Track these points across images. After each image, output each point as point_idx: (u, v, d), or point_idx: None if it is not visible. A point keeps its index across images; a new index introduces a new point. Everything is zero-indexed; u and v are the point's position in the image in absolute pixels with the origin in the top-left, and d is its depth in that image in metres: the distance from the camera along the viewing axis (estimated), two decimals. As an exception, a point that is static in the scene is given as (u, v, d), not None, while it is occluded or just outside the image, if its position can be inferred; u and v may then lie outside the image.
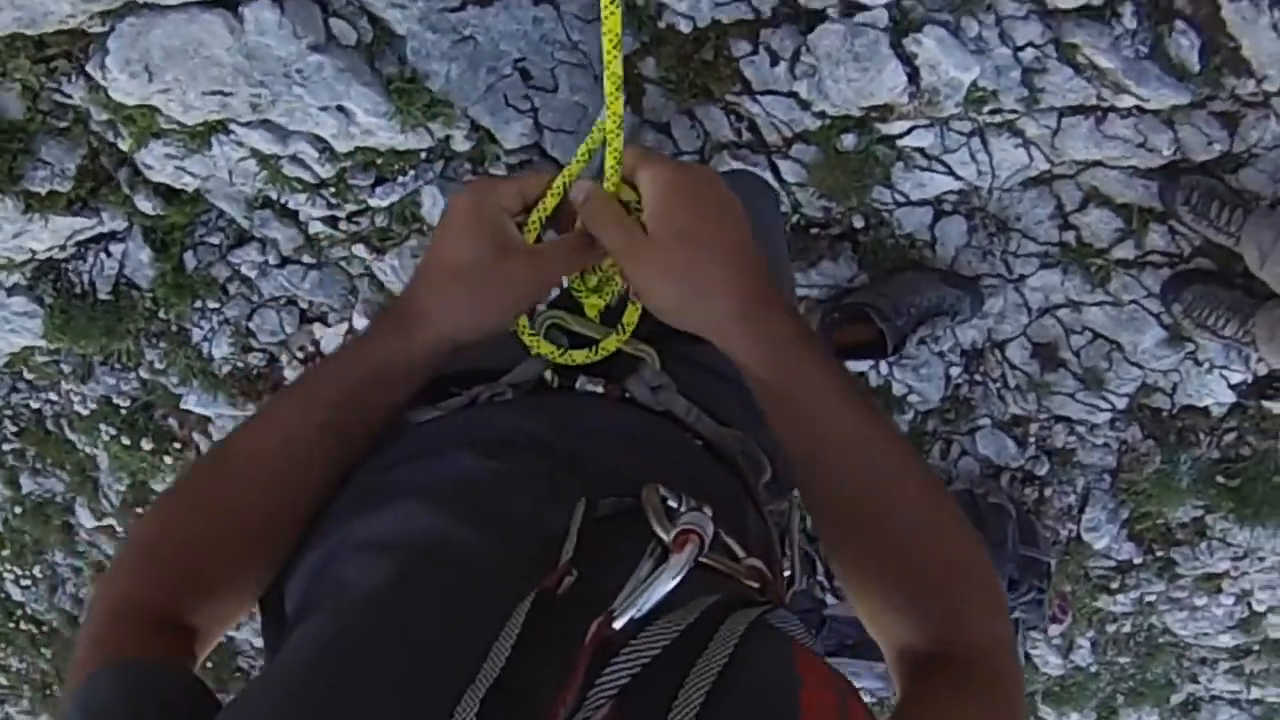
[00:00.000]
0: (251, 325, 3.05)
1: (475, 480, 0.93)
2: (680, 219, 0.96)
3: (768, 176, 2.50)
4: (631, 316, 1.13)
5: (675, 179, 0.97)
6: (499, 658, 0.65)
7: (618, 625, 0.67)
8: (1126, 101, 2.26)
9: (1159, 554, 3.35)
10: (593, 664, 0.64)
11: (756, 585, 0.85)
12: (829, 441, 0.98)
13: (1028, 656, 3.76)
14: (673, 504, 0.81)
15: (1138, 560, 3.38)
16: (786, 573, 1.24)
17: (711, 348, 1.02)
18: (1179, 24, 2.16)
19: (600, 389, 1.16)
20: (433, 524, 0.85)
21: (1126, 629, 3.71)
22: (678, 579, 0.70)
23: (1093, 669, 3.86)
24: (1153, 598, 3.52)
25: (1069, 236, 2.64)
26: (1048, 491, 3.20)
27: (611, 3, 0.87)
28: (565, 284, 1.15)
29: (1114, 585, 3.48)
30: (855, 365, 2.92)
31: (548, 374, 1.16)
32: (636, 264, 0.98)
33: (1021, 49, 2.21)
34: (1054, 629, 3.56)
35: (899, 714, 0.87)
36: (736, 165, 2.45)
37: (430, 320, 1.02)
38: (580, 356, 1.15)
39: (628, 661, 0.65)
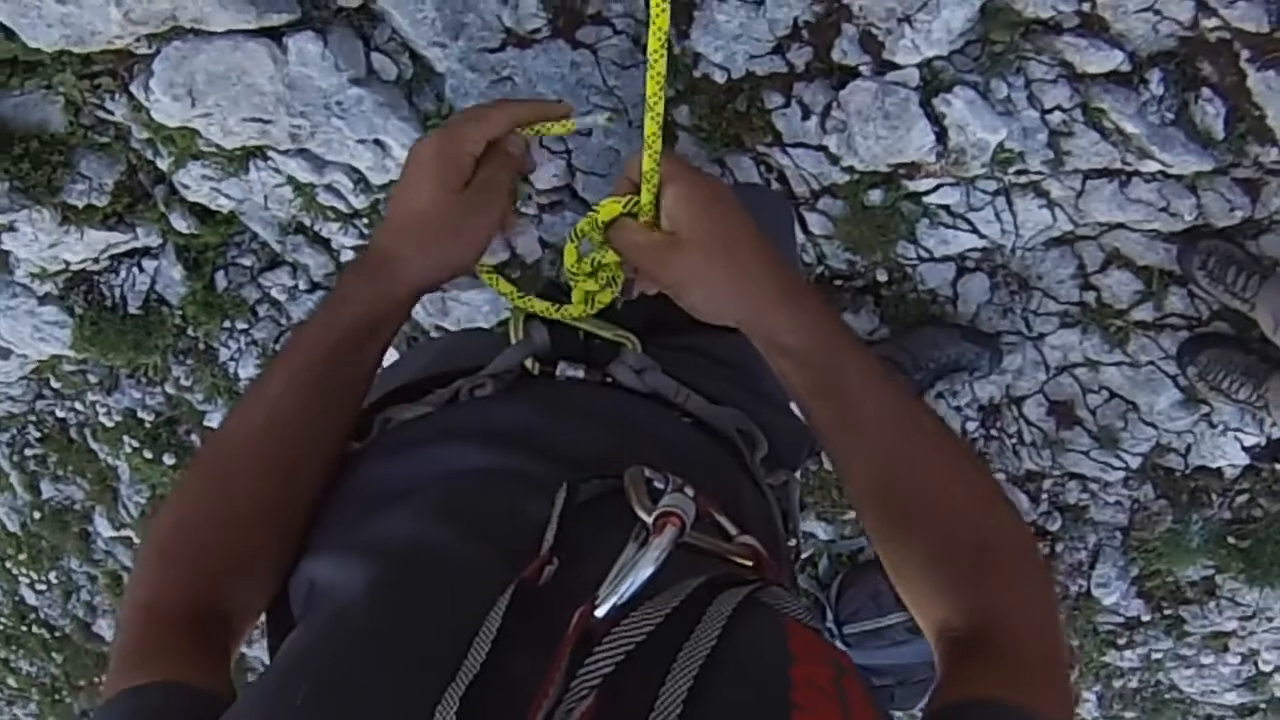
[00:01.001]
0: (279, 347, 3.08)
1: (455, 478, 0.94)
2: (711, 220, 0.98)
3: (794, 226, 2.53)
4: (618, 273, 1.12)
5: (699, 190, 0.99)
6: (479, 653, 0.65)
7: (600, 613, 0.66)
8: (1151, 166, 2.28)
9: (1168, 611, 3.35)
10: (576, 653, 0.63)
11: (750, 563, 0.84)
12: (871, 420, 0.99)
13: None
14: (659, 485, 0.81)
15: (1146, 617, 3.37)
16: (791, 543, 1.25)
17: (701, 334, 1.03)
18: (1205, 91, 2.18)
19: (582, 374, 1.15)
20: (412, 527, 0.86)
21: (1133, 684, 3.70)
22: (658, 563, 0.69)
23: (1097, 723, 3.86)
24: (1160, 654, 3.51)
25: (1089, 297, 2.66)
26: (1059, 547, 3.21)
27: (659, 49, 0.90)
28: (557, 274, 1.14)
29: (1122, 641, 3.48)
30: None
31: (529, 363, 1.16)
32: (672, 269, 1.00)
33: (1049, 112, 2.23)
34: (1060, 682, 3.55)
35: (938, 695, 0.87)
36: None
37: (398, 266, 1.03)
38: (577, 309, 1.15)
39: (611, 649, 0.64)
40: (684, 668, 0.64)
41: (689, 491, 0.79)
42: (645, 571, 0.69)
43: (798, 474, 1.47)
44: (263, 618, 1.03)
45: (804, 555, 1.26)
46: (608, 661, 0.63)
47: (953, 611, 0.94)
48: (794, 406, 1.48)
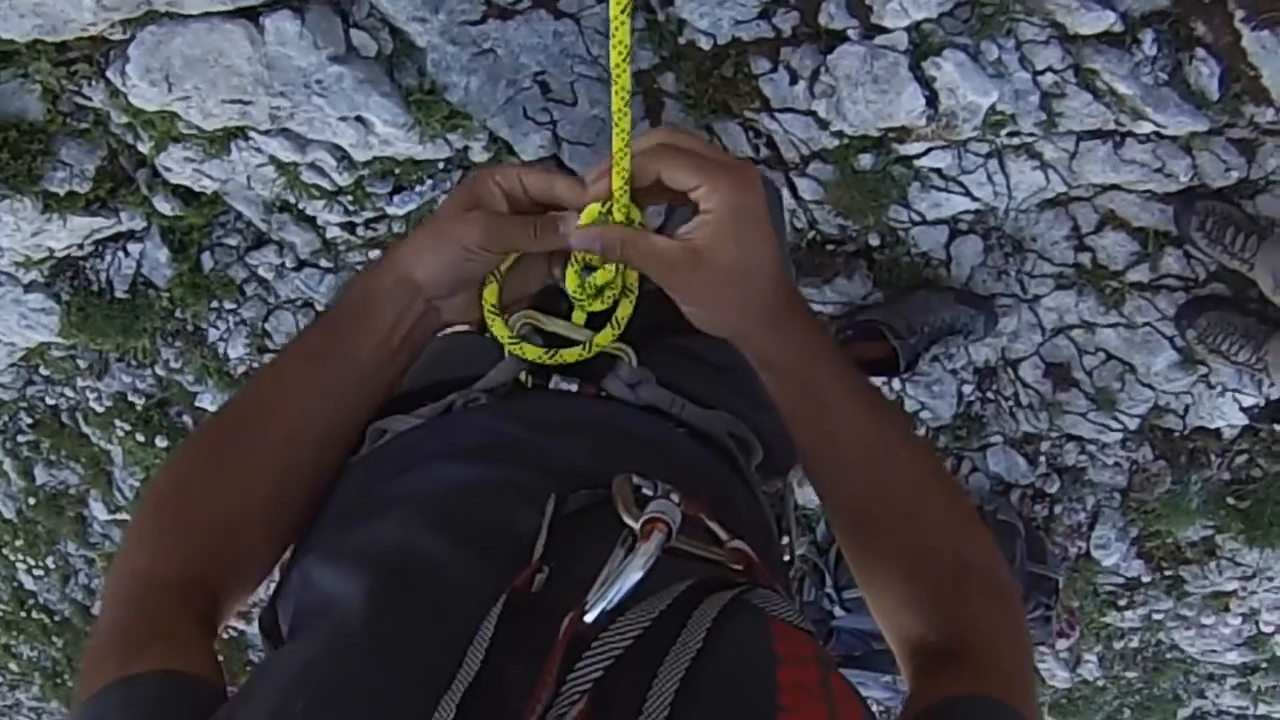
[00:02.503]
0: (268, 326, 3.07)
1: (447, 489, 0.94)
2: (742, 231, 0.91)
3: (784, 193, 2.51)
4: (625, 310, 1.09)
5: (741, 191, 0.90)
6: (473, 664, 0.65)
7: (589, 619, 0.67)
8: (1145, 127, 2.25)
9: (1168, 572, 3.35)
10: (566, 659, 0.64)
11: (740, 567, 0.84)
12: (851, 442, 1.00)
13: (1036, 670, 3.76)
14: (647, 492, 0.81)
15: (1146, 578, 3.37)
16: (785, 542, 1.25)
17: (697, 338, 1.01)
18: (1199, 52, 2.15)
19: (575, 388, 1.14)
20: (405, 538, 0.85)
21: (1134, 644, 3.71)
22: (645, 569, 0.70)
23: (1100, 683, 3.86)
24: (1161, 615, 3.52)
25: (1084, 258, 2.64)
26: (1058, 509, 3.20)
27: (621, 13, 0.84)
28: (561, 285, 1.11)
29: (1122, 602, 3.48)
30: (868, 380, 2.91)
31: (522, 375, 1.14)
32: (682, 281, 0.94)
33: (1041, 74, 2.20)
34: (1061, 644, 3.56)
35: (916, 700, 0.89)
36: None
37: (394, 253, 1.02)
38: (571, 355, 1.10)
39: (599, 654, 0.64)
40: (671, 670, 0.65)
41: (675, 498, 0.79)
42: (633, 577, 0.70)
43: (793, 479, 1.47)
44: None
45: (795, 556, 1.25)
46: (597, 666, 0.63)
47: (930, 627, 0.96)
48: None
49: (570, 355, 1.11)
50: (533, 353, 1.10)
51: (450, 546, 0.83)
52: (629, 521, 0.76)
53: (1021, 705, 0.86)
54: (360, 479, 1.03)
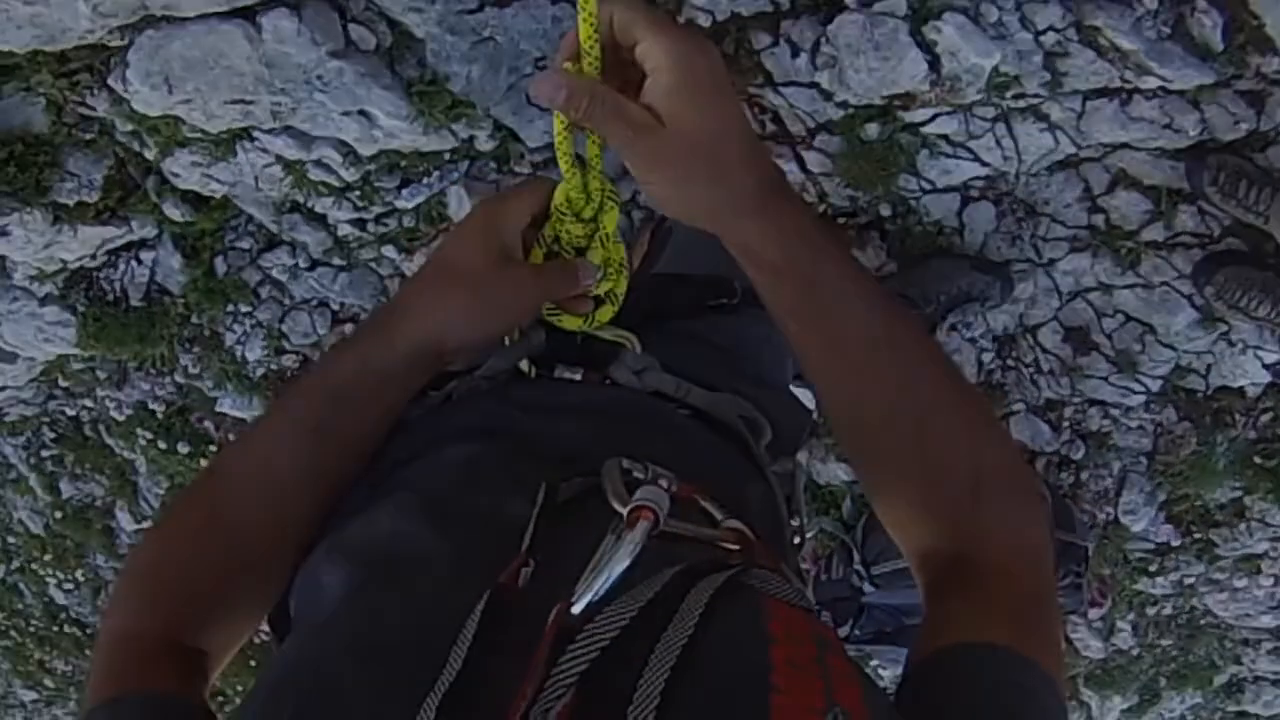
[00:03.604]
0: (284, 328, 3.07)
1: (439, 479, 0.93)
2: (699, 94, 0.85)
3: (792, 167, 2.50)
4: (620, 286, 1.08)
5: (688, 48, 0.84)
6: (456, 661, 0.64)
7: (576, 609, 0.66)
8: (1150, 83, 2.23)
9: (1197, 536, 3.32)
10: (553, 652, 0.62)
11: (736, 548, 0.82)
12: (852, 337, 0.93)
13: (1068, 640, 3.73)
14: (638, 476, 0.80)
15: (1176, 542, 3.34)
16: (795, 523, 1.22)
17: (700, 320, 1.00)
18: (1200, 3, 2.13)
19: (579, 376, 1.13)
20: (394, 530, 0.84)
21: (1167, 611, 3.68)
22: (632, 556, 0.68)
23: (1134, 652, 3.83)
24: (1192, 580, 3.49)
25: (1098, 219, 2.62)
26: (1084, 475, 3.18)
27: None
28: None
29: (1153, 568, 3.45)
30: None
31: (524, 364, 1.14)
32: (647, 154, 0.88)
33: (1042, 33, 2.18)
34: (1094, 613, 3.53)
35: (927, 636, 0.84)
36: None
37: (413, 316, 0.99)
38: (606, 315, 1.10)
39: (585, 646, 0.63)
40: (661, 659, 0.63)
41: (664, 482, 0.78)
42: (619, 566, 0.68)
43: (803, 459, 1.45)
44: None
45: (804, 537, 1.22)
46: (583, 658, 0.62)
47: (944, 538, 0.91)
48: (795, 390, 1.45)
49: (605, 315, 1.11)
50: (572, 322, 1.10)
51: (438, 536, 0.82)
52: (617, 508, 0.75)
53: (1034, 642, 0.81)
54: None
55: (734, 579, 0.73)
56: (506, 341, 1.12)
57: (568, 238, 1.02)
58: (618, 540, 0.70)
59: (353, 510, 0.94)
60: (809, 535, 3.22)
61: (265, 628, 1.03)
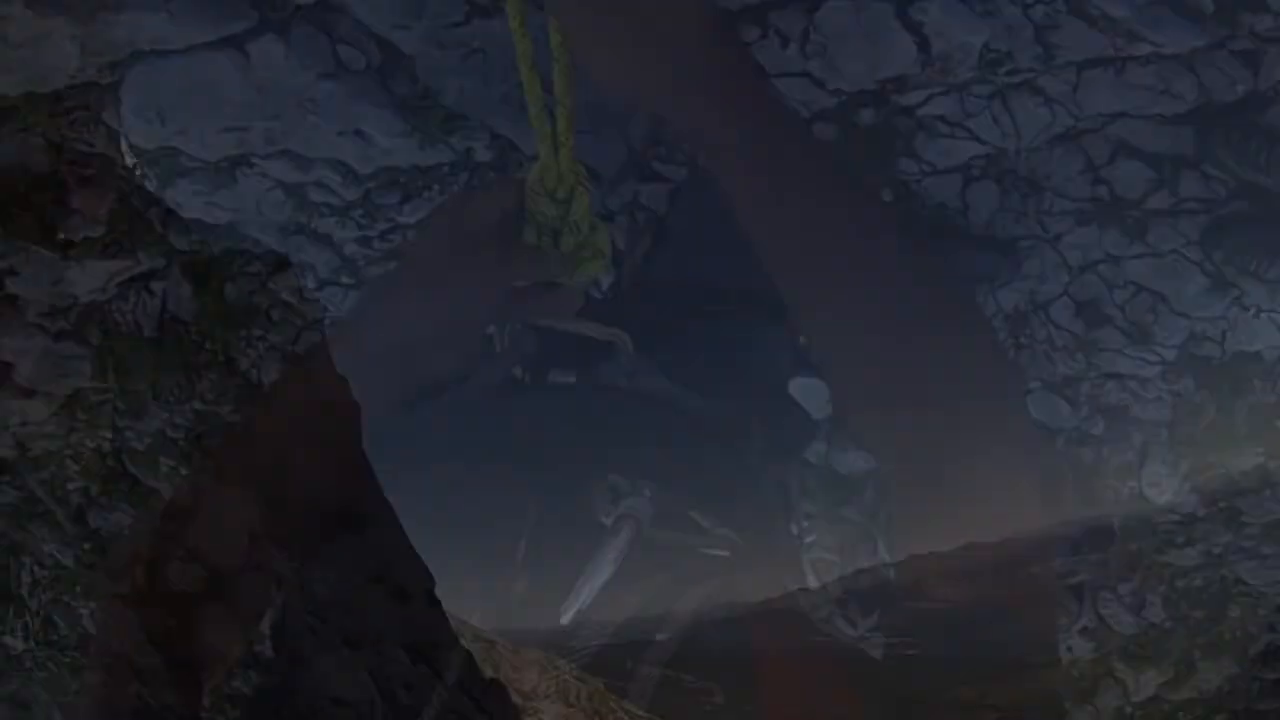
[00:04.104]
0: (296, 349, 3.08)
1: (439, 492, 0.94)
2: None
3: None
4: (598, 268, 1.10)
5: None
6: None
7: (565, 620, 0.67)
8: (1144, 49, 2.23)
9: (1223, 504, 3.29)
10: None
11: (725, 553, 0.83)
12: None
13: (1100, 617, 3.71)
14: (624, 488, 0.81)
15: (1202, 512, 3.31)
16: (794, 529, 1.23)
17: (695, 322, 1.00)
18: (1189, -36, 2.13)
19: (573, 380, 1.14)
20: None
21: (1197, 582, 3.64)
22: (616, 565, 0.69)
23: (1167, 625, 3.80)
24: (1220, 549, 3.45)
25: (1102, 191, 2.60)
26: (1105, 450, 3.15)
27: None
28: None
29: (1180, 539, 3.41)
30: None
31: (518, 371, 1.15)
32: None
33: (1031, 6, 2.19)
34: (1123, 587, 3.51)
35: None
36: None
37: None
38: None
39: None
40: None
41: (648, 493, 0.79)
42: (601, 576, 0.68)
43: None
44: None
45: (805, 534, 1.22)
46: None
47: None
48: (791, 392, 1.44)
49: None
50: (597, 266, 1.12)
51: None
52: (602, 519, 0.76)
53: None
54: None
55: None
56: (498, 348, 1.13)
57: (543, 219, 1.04)
58: (602, 549, 0.71)
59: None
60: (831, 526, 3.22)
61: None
